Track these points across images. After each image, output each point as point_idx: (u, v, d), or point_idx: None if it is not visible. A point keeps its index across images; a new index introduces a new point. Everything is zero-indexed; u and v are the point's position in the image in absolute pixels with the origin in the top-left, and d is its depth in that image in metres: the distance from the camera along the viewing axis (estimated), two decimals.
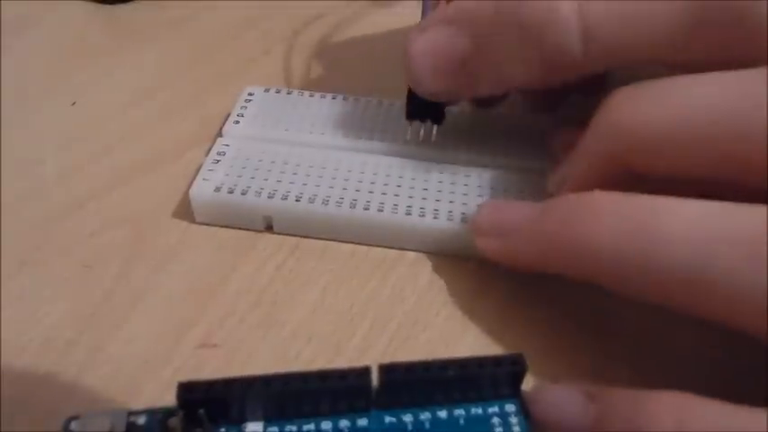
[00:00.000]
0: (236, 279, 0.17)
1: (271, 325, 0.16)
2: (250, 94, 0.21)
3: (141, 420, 0.13)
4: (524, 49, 0.15)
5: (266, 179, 0.18)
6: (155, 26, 0.27)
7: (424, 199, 0.18)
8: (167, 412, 0.13)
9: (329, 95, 0.21)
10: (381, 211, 0.17)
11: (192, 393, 0.12)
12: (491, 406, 0.13)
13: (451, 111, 0.20)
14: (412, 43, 0.17)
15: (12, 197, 0.19)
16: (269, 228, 0.18)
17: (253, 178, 0.18)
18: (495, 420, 0.13)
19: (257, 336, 0.16)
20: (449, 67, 0.17)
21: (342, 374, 0.13)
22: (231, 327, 0.16)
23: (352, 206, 0.17)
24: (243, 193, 0.18)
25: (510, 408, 0.13)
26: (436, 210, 0.17)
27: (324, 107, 0.21)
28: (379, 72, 0.23)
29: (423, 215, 0.17)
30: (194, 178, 0.18)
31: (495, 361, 0.13)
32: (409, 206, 0.18)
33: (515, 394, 0.13)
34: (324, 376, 0.13)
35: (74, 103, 0.22)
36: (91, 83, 0.23)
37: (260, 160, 0.19)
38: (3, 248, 0.17)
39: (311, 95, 0.21)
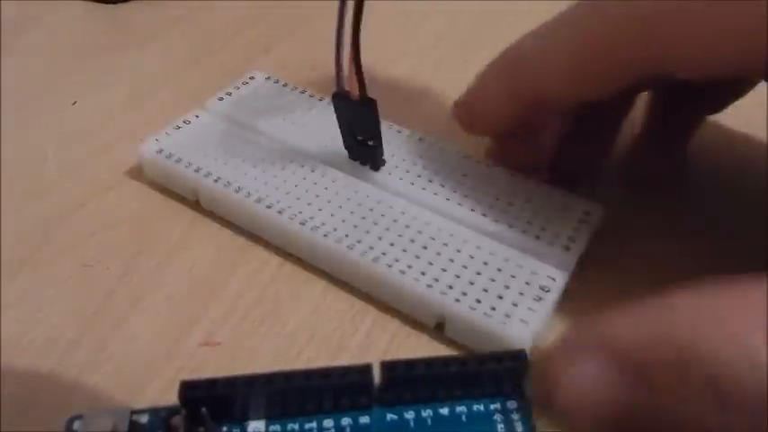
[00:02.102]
0: (238, 277, 0.17)
1: (273, 323, 0.16)
2: (251, 78, 0.21)
3: (144, 419, 0.13)
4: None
5: (206, 155, 0.18)
6: (154, 25, 0.26)
7: (343, 221, 0.17)
8: (170, 411, 0.13)
9: (326, 99, 0.20)
10: (292, 219, 0.17)
11: (194, 392, 0.12)
12: (493, 402, 0.13)
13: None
14: (558, 390, 0.12)
15: (12, 197, 0.19)
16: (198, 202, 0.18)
17: (197, 150, 0.19)
18: (497, 417, 0.13)
19: (259, 334, 0.16)
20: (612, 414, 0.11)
21: (343, 372, 0.13)
22: (233, 325, 0.16)
23: (270, 206, 0.17)
24: (177, 161, 0.18)
25: (512, 404, 0.13)
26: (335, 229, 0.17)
27: (311, 108, 0.20)
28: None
29: (326, 234, 0.16)
30: None
31: (497, 357, 0.13)
32: (324, 223, 0.17)
33: (517, 390, 0.13)
34: (325, 374, 0.13)
35: (74, 103, 0.22)
36: (91, 82, 0.23)
37: (218, 138, 0.19)
38: (3, 248, 0.17)
39: (311, 95, 0.21)
